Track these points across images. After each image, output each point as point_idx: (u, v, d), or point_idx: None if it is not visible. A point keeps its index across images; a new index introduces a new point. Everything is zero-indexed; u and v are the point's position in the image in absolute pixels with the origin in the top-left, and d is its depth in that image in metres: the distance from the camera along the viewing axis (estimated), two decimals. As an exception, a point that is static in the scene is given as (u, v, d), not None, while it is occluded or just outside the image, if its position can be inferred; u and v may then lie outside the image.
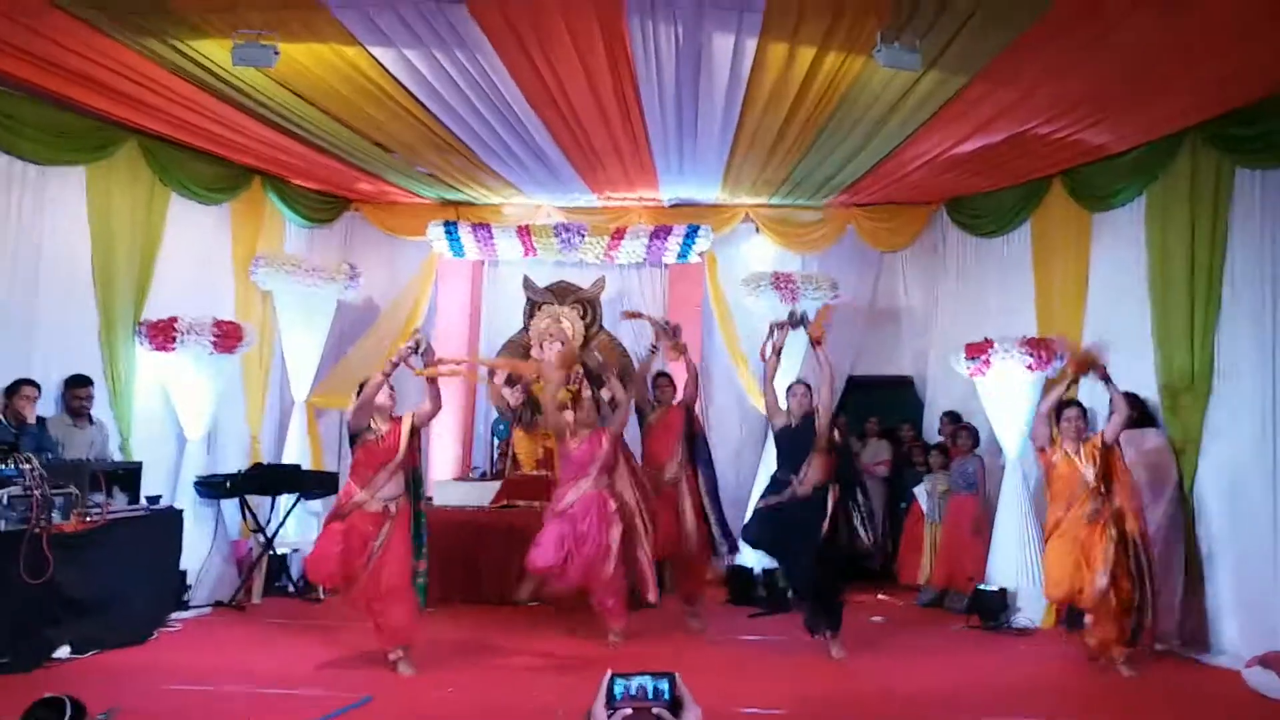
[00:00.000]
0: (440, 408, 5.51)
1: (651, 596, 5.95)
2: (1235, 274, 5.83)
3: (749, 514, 6.45)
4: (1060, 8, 4.58)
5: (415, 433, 5.34)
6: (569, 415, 6.13)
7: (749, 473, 8.19)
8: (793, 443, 5.91)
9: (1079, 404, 5.80)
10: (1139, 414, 6.00)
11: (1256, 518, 5.54)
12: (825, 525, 5.65)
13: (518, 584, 6.11)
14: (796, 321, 6.19)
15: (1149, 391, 6.23)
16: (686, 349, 6.91)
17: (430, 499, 7.69)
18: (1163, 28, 4.75)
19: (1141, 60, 5.15)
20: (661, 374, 6.96)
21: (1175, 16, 4.63)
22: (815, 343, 6.09)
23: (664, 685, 1.60)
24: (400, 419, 5.30)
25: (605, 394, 8.03)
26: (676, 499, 6.50)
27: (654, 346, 6.79)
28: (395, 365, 5.27)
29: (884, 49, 4.64)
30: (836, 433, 5.96)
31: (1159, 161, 6.33)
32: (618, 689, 1.60)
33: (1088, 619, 5.53)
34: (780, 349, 6.17)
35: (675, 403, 6.77)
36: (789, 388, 6.13)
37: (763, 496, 6.13)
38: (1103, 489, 5.40)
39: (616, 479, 6.03)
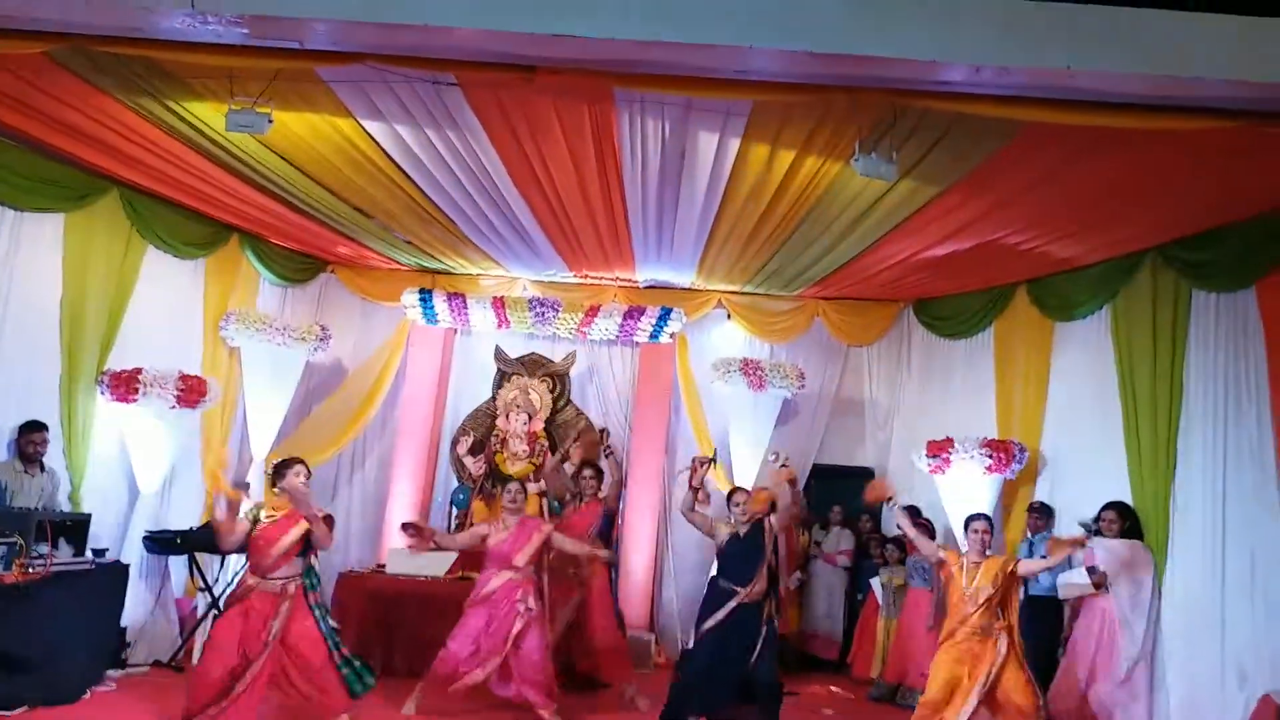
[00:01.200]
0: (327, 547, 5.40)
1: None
2: (1190, 393, 6.01)
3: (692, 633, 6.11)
4: (1023, 140, 4.87)
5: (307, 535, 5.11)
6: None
7: (711, 555, 8.15)
8: (741, 550, 5.77)
9: (986, 517, 5.74)
10: (1128, 525, 6.11)
11: (1207, 630, 5.64)
12: (763, 632, 5.57)
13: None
14: (711, 460, 6.42)
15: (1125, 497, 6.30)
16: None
17: (382, 567, 7.61)
18: (1117, 164, 5.09)
19: (1101, 187, 5.46)
20: (589, 464, 7.09)
21: (1121, 157, 4.98)
22: (791, 482, 6.09)
23: None
24: (296, 517, 5.06)
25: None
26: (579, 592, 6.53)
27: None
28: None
29: (861, 158, 4.82)
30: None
31: (1121, 277, 6.58)
32: None
33: None
34: (701, 484, 6.26)
35: (598, 497, 6.86)
36: (729, 496, 6.05)
37: (703, 611, 5.77)
38: (996, 607, 5.29)
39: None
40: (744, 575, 5.65)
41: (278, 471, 5.12)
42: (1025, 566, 5.51)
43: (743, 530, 5.80)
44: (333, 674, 5.09)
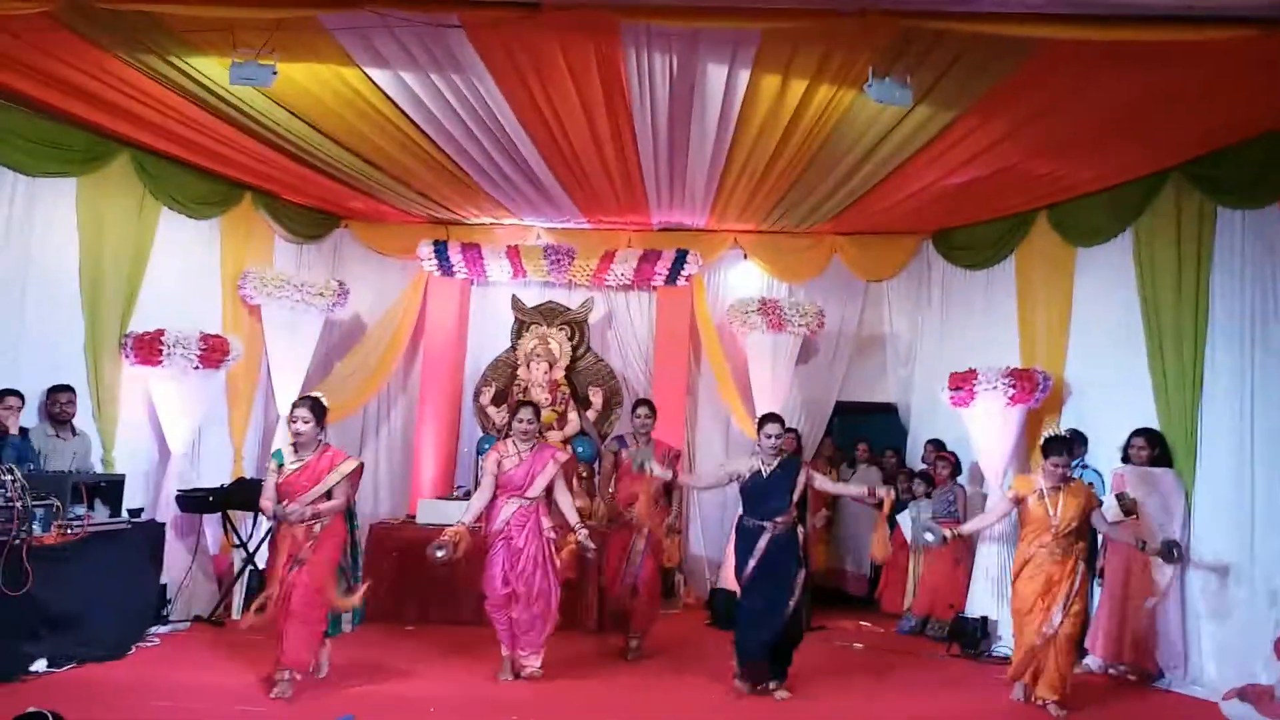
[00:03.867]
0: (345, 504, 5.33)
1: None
2: (1216, 314, 5.93)
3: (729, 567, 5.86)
4: (1040, 59, 4.74)
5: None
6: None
7: (733, 497, 8.20)
8: (766, 487, 5.44)
9: (1064, 447, 5.41)
10: (1158, 452, 6.06)
11: (1237, 553, 5.62)
12: (799, 566, 5.38)
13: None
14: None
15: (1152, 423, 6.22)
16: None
17: (413, 518, 7.71)
18: (1137, 80, 4.96)
19: (1120, 106, 5.33)
20: (643, 402, 6.61)
21: (1141, 74, 4.85)
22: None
23: None
24: (331, 453, 5.20)
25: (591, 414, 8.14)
26: (631, 539, 6.20)
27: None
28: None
29: (875, 84, 4.72)
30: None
31: (1143, 199, 6.44)
32: None
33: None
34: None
35: (657, 442, 6.35)
36: (761, 424, 5.58)
37: (739, 556, 5.52)
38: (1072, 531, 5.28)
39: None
40: (771, 510, 5.40)
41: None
42: (1097, 520, 5.41)
43: (767, 469, 5.46)
44: (310, 627, 5.05)
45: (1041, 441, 5.52)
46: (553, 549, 5.60)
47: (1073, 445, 5.36)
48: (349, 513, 5.39)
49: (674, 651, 6.45)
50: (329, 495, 5.11)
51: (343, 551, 5.29)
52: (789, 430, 8.29)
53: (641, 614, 6.29)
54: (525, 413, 5.79)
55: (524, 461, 5.67)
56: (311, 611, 5.03)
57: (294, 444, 5.17)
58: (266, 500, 5.15)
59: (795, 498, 5.43)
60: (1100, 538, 6.34)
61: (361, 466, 5.40)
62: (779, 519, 5.38)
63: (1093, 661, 6.07)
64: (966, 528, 5.94)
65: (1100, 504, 5.47)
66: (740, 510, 5.61)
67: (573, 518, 5.69)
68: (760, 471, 5.49)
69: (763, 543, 5.36)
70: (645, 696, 5.46)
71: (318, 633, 5.16)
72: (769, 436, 5.48)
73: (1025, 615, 5.30)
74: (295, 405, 5.23)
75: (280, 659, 4.99)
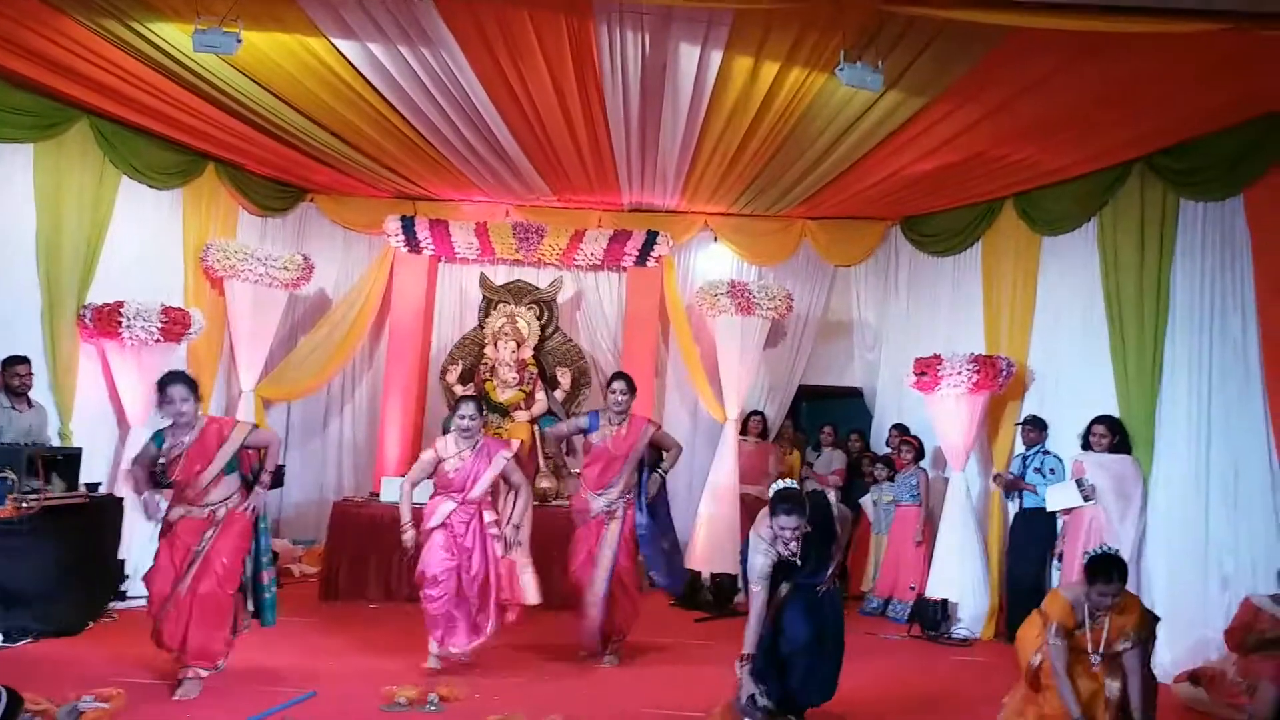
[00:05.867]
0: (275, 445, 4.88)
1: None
2: (1176, 304, 6.03)
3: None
4: (1009, 47, 4.78)
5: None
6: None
7: (700, 478, 8.26)
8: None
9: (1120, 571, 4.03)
10: (1118, 439, 6.14)
11: (1192, 538, 5.75)
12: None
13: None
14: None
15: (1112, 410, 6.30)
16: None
17: (376, 495, 7.66)
18: (1100, 73, 5.03)
19: (1088, 96, 5.39)
20: (619, 375, 5.77)
21: (1111, 64, 4.92)
22: None
23: None
24: (213, 427, 4.61)
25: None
26: (601, 530, 5.58)
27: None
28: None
29: (846, 68, 4.72)
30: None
31: (1108, 188, 6.53)
32: None
33: None
34: None
35: (634, 417, 5.68)
36: (776, 524, 4.27)
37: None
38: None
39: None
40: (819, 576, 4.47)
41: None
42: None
43: (789, 555, 4.34)
44: (219, 616, 4.60)
45: (1086, 561, 4.08)
46: (496, 546, 5.26)
47: (1125, 569, 4.07)
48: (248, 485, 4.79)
49: (639, 632, 6.47)
50: (229, 469, 4.61)
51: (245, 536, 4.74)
52: (755, 413, 8.39)
53: (625, 613, 5.67)
54: (467, 408, 5.28)
55: (464, 463, 5.21)
56: (222, 604, 4.59)
57: (173, 425, 4.57)
58: (144, 483, 4.56)
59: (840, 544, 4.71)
60: (1060, 521, 6.47)
61: (256, 428, 4.86)
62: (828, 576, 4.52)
63: None
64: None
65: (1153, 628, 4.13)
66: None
67: (516, 516, 5.32)
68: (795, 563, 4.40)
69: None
70: (618, 679, 5.44)
71: (227, 625, 4.67)
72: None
73: None
74: (167, 382, 4.55)
75: (190, 656, 4.53)
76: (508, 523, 5.37)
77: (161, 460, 4.55)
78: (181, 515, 4.60)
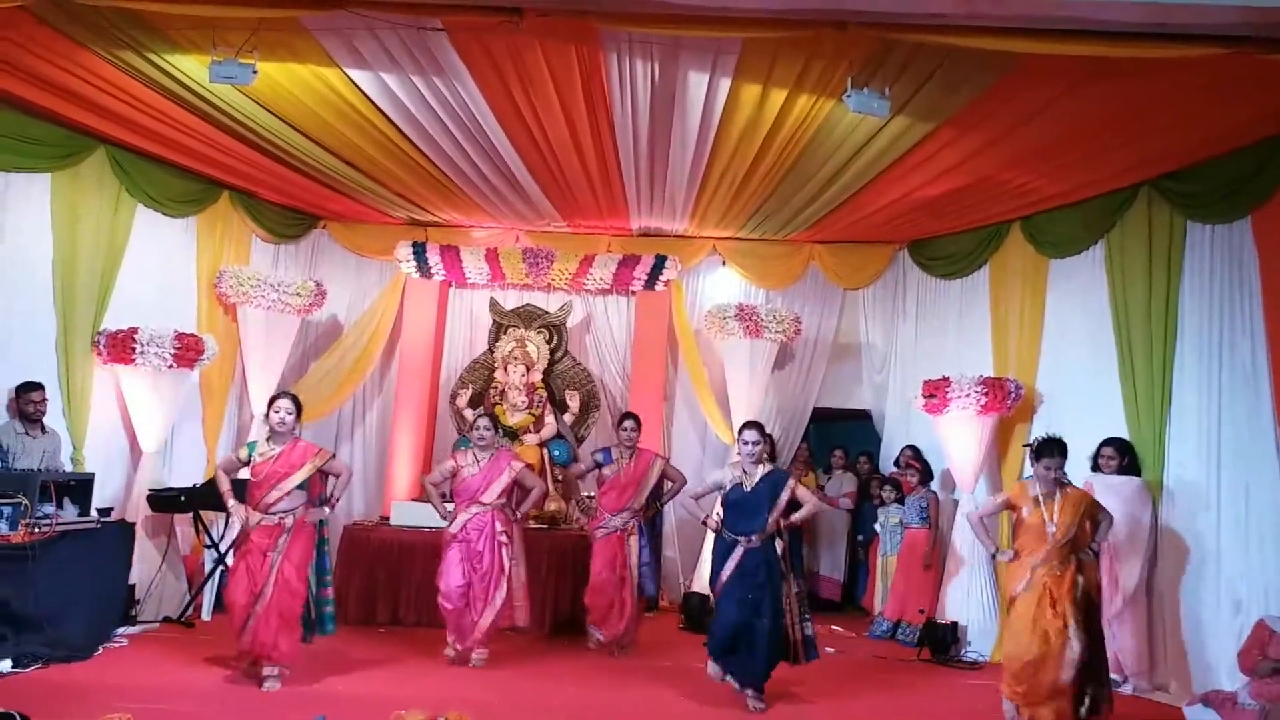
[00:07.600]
0: (346, 475, 5.58)
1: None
2: (1185, 327, 6.05)
3: (708, 575, 5.73)
4: (1016, 74, 4.83)
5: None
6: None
7: (709, 500, 8.22)
8: (746, 503, 5.29)
9: (1059, 451, 5.05)
10: (1127, 461, 6.13)
11: (1202, 562, 5.73)
12: (780, 578, 5.24)
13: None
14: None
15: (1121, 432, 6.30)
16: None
17: (387, 519, 7.68)
18: (1106, 97, 5.07)
19: (1094, 121, 5.43)
20: (629, 415, 6.73)
21: (1117, 88, 4.96)
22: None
23: None
24: (301, 446, 5.32)
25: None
26: (621, 548, 6.43)
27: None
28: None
29: (854, 94, 4.78)
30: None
31: (1115, 212, 6.56)
32: None
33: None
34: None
35: (641, 450, 6.62)
36: (740, 431, 5.44)
37: (714, 561, 5.44)
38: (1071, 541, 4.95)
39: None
40: (748, 528, 5.25)
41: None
42: (1104, 531, 5.12)
43: (750, 481, 5.30)
44: (292, 624, 5.22)
45: (1034, 444, 5.15)
46: (507, 552, 5.94)
47: (1064, 448, 5.03)
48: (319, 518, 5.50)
49: (648, 654, 6.46)
50: (302, 486, 5.25)
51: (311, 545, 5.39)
52: (765, 436, 8.36)
53: (631, 616, 6.45)
54: (483, 423, 6.15)
55: (482, 470, 6.00)
56: (294, 613, 5.20)
57: (271, 434, 5.29)
58: (229, 494, 5.29)
59: (776, 515, 5.26)
60: None
61: (335, 457, 5.51)
62: (754, 535, 5.23)
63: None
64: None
65: (1103, 510, 5.14)
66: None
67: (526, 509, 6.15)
68: (741, 484, 5.35)
69: (738, 554, 5.26)
70: (624, 697, 5.45)
71: (298, 632, 5.30)
72: (745, 444, 5.35)
73: (1025, 636, 4.87)
74: (278, 396, 5.36)
75: (272, 656, 5.13)
76: (517, 507, 6.14)
77: (245, 463, 5.29)
78: (256, 523, 5.17)
